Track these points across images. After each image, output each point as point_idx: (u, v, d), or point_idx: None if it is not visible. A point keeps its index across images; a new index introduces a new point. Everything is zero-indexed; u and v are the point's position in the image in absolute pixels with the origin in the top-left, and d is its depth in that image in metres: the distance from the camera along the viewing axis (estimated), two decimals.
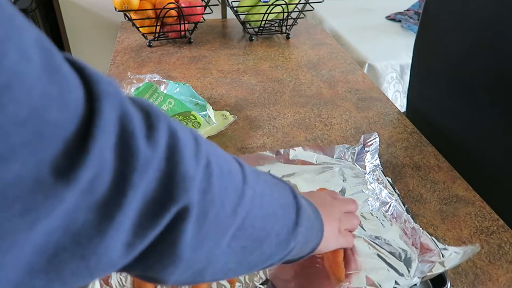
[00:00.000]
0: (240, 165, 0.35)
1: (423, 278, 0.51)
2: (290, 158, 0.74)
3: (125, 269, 0.27)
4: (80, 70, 0.23)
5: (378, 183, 0.67)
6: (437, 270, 0.51)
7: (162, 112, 0.28)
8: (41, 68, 0.20)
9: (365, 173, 0.71)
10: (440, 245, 0.54)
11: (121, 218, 0.24)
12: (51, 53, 0.21)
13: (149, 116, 0.26)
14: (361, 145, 0.75)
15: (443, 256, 0.52)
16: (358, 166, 0.73)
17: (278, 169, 0.72)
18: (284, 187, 0.41)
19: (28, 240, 0.20)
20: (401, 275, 0.53)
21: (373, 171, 0.70)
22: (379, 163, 0.71)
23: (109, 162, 0.23)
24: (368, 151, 0.73)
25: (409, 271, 0.54)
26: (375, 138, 0.73)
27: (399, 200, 0.63)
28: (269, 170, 0.72)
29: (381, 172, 0.69)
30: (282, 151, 0.75)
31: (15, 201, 0.19)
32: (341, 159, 0.75)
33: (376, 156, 0.72)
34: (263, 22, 1.29)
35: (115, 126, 0.23)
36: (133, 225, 0.25)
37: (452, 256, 0.52)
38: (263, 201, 0.35)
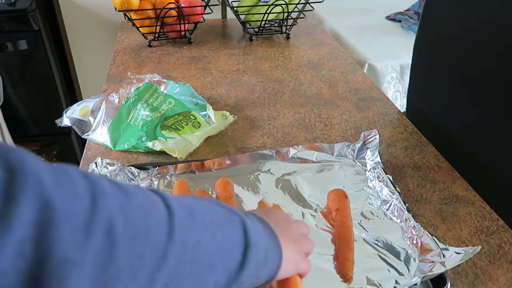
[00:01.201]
0: (169, 211, 0.29)
1: (423, 277, 0.51)
2: (290, 156, 0.74)
3: None
4: None
5: (379, 181, 0.67)
6: (438, 270, 0.51)
7: (36, 169, 0.22)
8: None
9: (366, 171, 0.71)
10: (441, 245, 0.54)
11: None
12: None
13: (12, 181, 0.20)
14: (362, 142, 0.74)
15: (444, 256, 0.52)
16: (358, 164, 0.73)
17: (278, 168, 0.72)
18: (232, 221, 0.35)
19: None
20: (401, 274, 0.53)
21: (374, 168, 0.70)
22: (380, 160, 0.71)
23: None
24: (369, 148, 0.73)
25: (409, 271, 0.54)
26: (375, 135, 0.73)
27: (400, 199, 0.63)
28: (269, 169, 0.72)
29: (382, 170, 0.69)
30: (282, 149, 0.75)
31: None
32: (342, 156, 0.75)
33: (377, 153, 0.72)
34: (263, 22, 1.29)
35: None
36: None
37: (453, 256, 0.51)
38: (196, 253, 0.30)
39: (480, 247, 0.52)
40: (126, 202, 0.26)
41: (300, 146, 0.76)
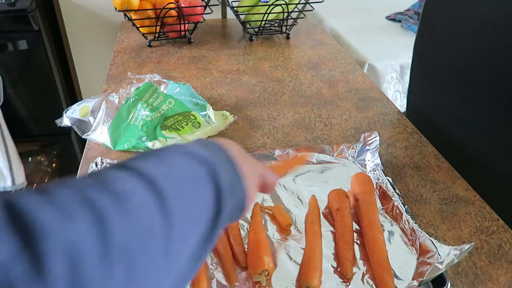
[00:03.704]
0: (160, 198, 0.30)
1: (421, 281, 0.51)
2: (290, 157, 0.74)
3: None
4: None
5: (379, 183, 0.67)
6: (435, 271, 0.51)
7: (47, 221, 0.23)
8: None
9: (366, 172, 0.71)
10: (438, 245, 0.54)
11: None
12: None
13: (33, 244, 0.22)
14: (362, 144, 0.74)
15: (440, 257, 0.52)
16: (358, 165, 0.73)
17: None
18: (203, 176, 0.36)
19: None
20: (400, 279, 0.53)
21: (374, 170, 0.70)
22: (380, 162, 0.71)
23: None
24: (369, 149, 0.73)
25: (408, 273, 0.54)
26: (375, 137, 0.73)
27: (399, 200, 0.63)
28: None
29: (382, 172, 0.69)
30: (282, 150, 0.75)
31: None
32: (342, 158, 0.75)
33: (377, 155, 0.72)
34: (263, 22, 1.29)
35: None
36: None
37: (449, 256, 0.52)
38: (187, 225, 0.33)
39: (473, 243, 0.51)
40: (124, 212, 0.27)
41: (300, 147, 0.76)
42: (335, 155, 0.75)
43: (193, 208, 0.34)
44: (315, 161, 0.74)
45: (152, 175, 0.31)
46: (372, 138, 0.73)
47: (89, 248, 0.24)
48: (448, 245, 0.53)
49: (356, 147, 0.75)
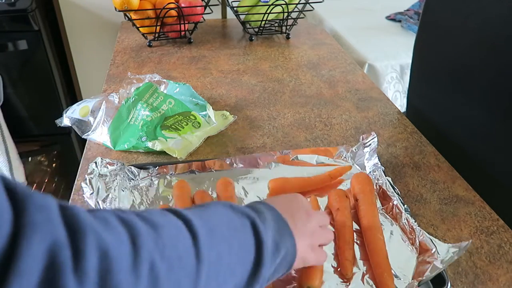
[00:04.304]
0: (192, 233, 0.31)
1: (421, 281, 0.51)
2: (290, 159, 0.74)
3: None
4: (13, 195, 0.22)
5: (378, 183, 0.67)
6: (434, 270, 0.51)
7: (90, 223, 0.25)
8: None
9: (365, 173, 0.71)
10: (437, 243, 0.54)
11: None
12: None
13: (76, 237, 0.23)
14: (360, 145, 0.74)
15: (439, 255, 0.52)
16: (357, 167, 0.73)
17: (278, 170, 0.72)
18: (244, 226, 0.37)
19: None
20: (400, 278, 0.53)
21: (373, 171, 0.70)
22: (379, 163, 0.71)
23: None
24: (367, 151, 0.73)
25: (407, 273, 0.54)
26: (373, 138, 0.73)
27: (399, 200, 0.63)
28: (269, 171, 0.72)
29: (382, 172, 0.69)
30: (282, 151, 0.75)
31: None
32: (341, 160, 0.75)
33: (375, 155, 0.72)
34: (263, 22, 1.29)
35: (40, 263, 0.21)
36: None
37: (448, 253, 0.52)
38: (220, 268, 0.33)
39: (471, 240, 0.51)
40: (157, 237, 0.28)
41: (301, 149, 0.76)
42: (334, 157, 0.75)
43: (229, 253, 0.34)
44: (314, 163, 0.74)
45: (188, 216, 0.33)
46: (370, 139, 0.73)
47: (122, 256, 0.25)
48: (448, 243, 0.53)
49: (355, 149, 0.75)
